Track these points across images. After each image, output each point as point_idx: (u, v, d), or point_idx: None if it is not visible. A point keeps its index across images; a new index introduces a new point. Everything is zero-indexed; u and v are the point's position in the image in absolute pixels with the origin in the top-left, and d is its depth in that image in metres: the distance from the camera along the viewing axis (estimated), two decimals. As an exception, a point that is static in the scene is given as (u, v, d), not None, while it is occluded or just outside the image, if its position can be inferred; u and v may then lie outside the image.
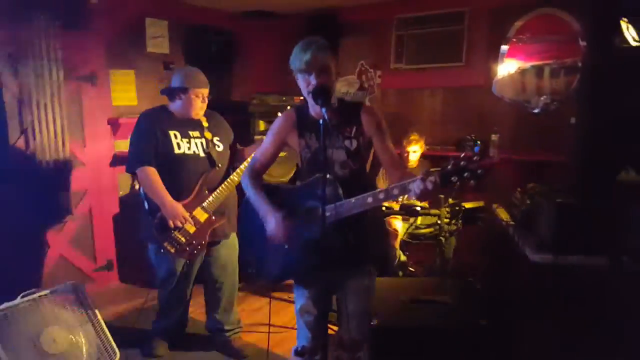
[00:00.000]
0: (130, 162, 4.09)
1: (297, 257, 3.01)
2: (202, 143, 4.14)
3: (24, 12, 4.98)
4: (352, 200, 2.73)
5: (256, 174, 3.19)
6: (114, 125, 5.94)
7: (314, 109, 2.95)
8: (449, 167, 2.41)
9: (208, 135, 4.17)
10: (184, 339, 4.69)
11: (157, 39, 6.39)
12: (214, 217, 4.12)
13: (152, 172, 3.96)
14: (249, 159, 3.92)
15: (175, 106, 4.11)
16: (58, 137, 5.33)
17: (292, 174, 5.80)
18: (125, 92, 6.12)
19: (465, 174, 2.38)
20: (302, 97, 3.02)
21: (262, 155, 3.19)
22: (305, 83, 2.83)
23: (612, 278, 3.27)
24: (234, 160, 4.36)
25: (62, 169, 5.46)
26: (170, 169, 4.02)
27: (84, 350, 3.81)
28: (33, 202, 5.19)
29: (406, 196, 2.83)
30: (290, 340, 3.28)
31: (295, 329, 3.32)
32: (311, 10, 7.02)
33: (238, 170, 4.13)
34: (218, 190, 4.10)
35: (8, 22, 4.92)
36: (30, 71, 5.06)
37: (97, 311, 4.05)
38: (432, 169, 2.49)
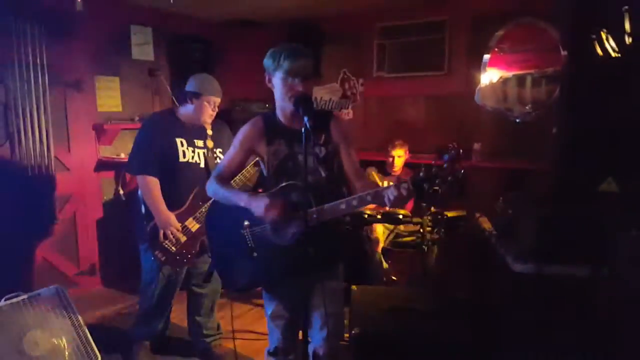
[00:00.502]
0: (132, 165, 4.10)
1: (266, 265, 2.99)
2: (204, 153, 4.14)
3: (10, 18, 5.00)
4: (325, 206, 2.75)
5: (223, 181, 3.12)
6: (99, 130, 5.97)
7: (283, 115, 2.95)
8: (421, 174, 2.51)
9: (210, 143, 4.16)
10: (165, 344, 4.68)
11: (142, 46, 6.41)
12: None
13: (152, 182, 3.96)
14: (244, 171, 3.91)
15: (184, 110, 4.10)
16: (43, 143, 5.38)
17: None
18: (110, 98, 6.14)
19: (437, 181, 2.49)
20: None
21: (229, 162, 3.14)
22: (286, 88, 2.82)
23: (594, 287, 3.30)
24: None
25: (47, 174, 5.49)
26: (172, 175, 4.02)
27: (66, 354, 3.80)
28: (17, 206, 5.21)
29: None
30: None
31: None
32: (293, 19, 7.06)
33: (232, 182, 4.12)
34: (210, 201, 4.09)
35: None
36: (16, 77, 5.10)
37: (79, 315, 4.05)
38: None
